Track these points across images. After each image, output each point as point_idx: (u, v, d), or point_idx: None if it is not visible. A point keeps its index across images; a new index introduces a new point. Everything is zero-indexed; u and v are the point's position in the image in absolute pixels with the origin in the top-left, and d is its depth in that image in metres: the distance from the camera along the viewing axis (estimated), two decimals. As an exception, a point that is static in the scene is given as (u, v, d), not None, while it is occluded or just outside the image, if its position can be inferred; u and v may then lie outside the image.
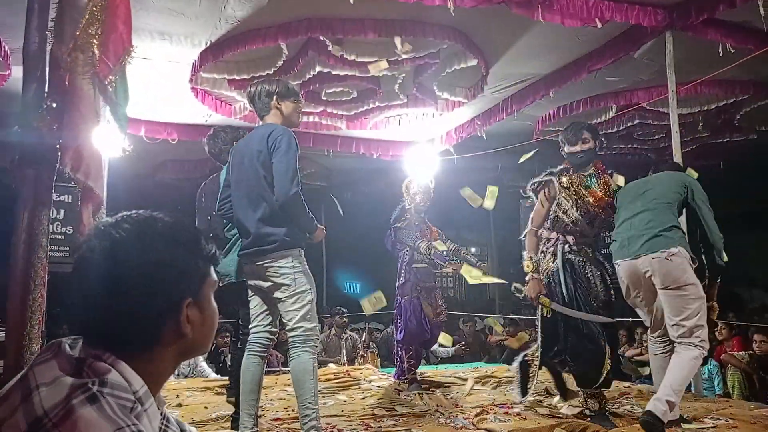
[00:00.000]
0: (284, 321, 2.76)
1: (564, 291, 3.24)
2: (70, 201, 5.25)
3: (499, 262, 12.88)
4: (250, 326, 2.92)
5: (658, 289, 2.93)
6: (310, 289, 2.75)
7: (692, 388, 4.50)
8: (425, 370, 5.55)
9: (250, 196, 2.79)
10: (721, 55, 4.35)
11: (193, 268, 0.94)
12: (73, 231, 5.26)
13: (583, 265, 3.30)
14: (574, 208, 3.30)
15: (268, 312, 2.89)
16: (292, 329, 2.70)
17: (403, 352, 4.66)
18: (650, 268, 2.92)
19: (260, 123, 2.97)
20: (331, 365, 5.84)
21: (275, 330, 2.95)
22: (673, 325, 2.87)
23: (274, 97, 2.88)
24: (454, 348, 7.37)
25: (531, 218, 3.45)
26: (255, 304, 2.91)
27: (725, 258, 2.95)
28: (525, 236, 3.46)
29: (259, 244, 2.74)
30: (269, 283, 2.77)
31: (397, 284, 4.81)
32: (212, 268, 1.00)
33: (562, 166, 3.45)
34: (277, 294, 2.75)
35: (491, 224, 11.49)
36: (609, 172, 3.50)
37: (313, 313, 2.75)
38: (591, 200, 3.30)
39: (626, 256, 3.03)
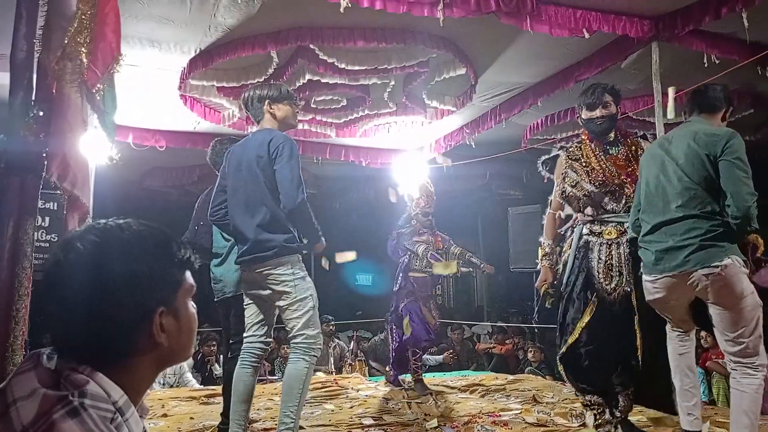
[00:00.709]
0: (287, 328, 2.72)
1: (570, 281, 2.91)
2: (55, 208, 5.18)
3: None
4: (245, 335, 2.88)
5: (710, 303, 2.50)
6: (311, 295, 2.72)
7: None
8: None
9: (248, 202, 2.74)
10: (706, 65, 4.41)
11: (163, 276, 0.93)
12: (57, 239, 5.20)
13: (607, 249, 2.87)
14: (587, 180, 2.90)
15: (263, 322, 2.86)
16: (294, 336, 2.67)
17: (410, 353, 4.70)
18: (701, 283, 2.45)
19: (255, 128, 2.95)
20: (319, 374, 5.81)
21: (269, 340, 2.92)
22: (727, 341, 2.46)
23: (266, 102, 2.86)
24: (442, 356, 7.37)
25: (550, 200, 3.16)
26: (251, 313, 2.86)
27: (755, 225, 2.43)
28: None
29: (258, 251, 2.70)
30: (269, 291, 2.72)
31: (393, 290, 4.83)
32: (188, 273, 0.98)
33: (574, 134, 3.21)
34: (278, 302, 2.72)
35: (479, 231, 11.53)
36: (640, 134, 3.12)
37: (315, 320, 2.72)
38: (613, 169, 2.89)
39: (666, 272, 2.53)
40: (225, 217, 2.90)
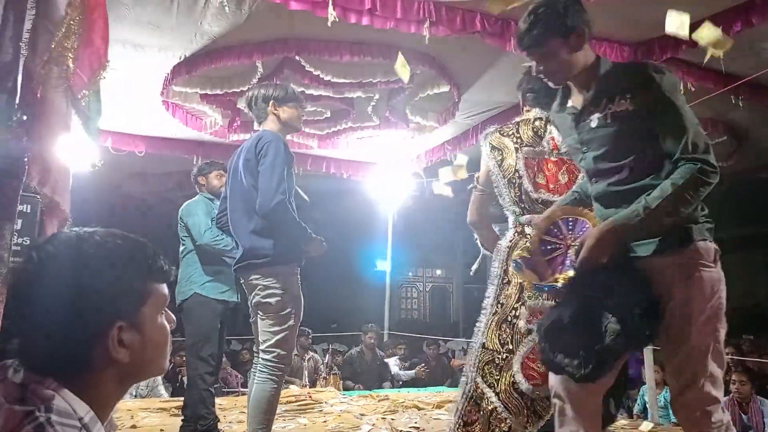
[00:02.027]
0: (260, 340, 2.63)
1: None
2: (28, 211, 5.07)
3: (463, 284, 12.96)
4: (254, 349, 2.74)
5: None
6: (294, 313, 2.60)
7: (648, 416, 4.60)
8: (388, 393, 5.51)
9: (243, 207, 2.67)
10: (682, 92, 4.52)
11: (124, 289, 0.89)
12: (30, 242, 5.09)
13: None
14: None
15: None
16: (265, 351, 2.58)
17: None
18: None
19: (257, 130, 2.87)
20: (293, 387, 5.75)
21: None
22: None
23: (271, 102, 2.75)
24: (414, 371, 7.35)
25: None
26: (256, 327, 2.72)
27: None
28: None
29: (251, 258, 2.61)
30: (256, 300, 2.62)
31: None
32: (159, 286, 0.95)
33: None
34: (259, 311, 2.63)
35: (460, 246, 11.61)
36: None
37: (290, 339, 2.62)
38: None
39: None
40: (228, 224, 2.81)
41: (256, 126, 2.92)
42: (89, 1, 1.64)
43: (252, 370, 2.72)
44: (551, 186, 2.37)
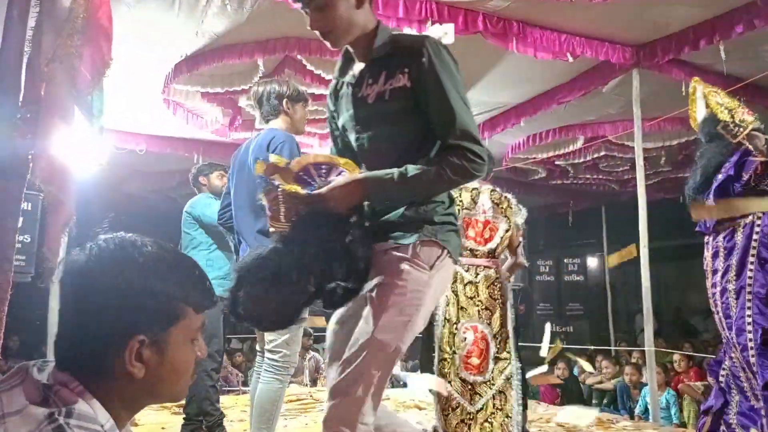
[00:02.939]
0: (266, 340, 2.61)
1: None
2: (29, 209, 5.07)
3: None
4: (260, 348, 2.73)
5: None
6: None
7: (650, 417, 4.60)
8: (389, 393, 5.50)
9: (250, 205, 2.62)
10: (684, 94, 4.53)
11: (156, 305, 0.88)
12: (31, 240, 5.08)
13: None
14: None
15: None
16: (271, 351, 2.56)
17: None
18: None
19: (261, 129, 2.80)
20: (294, 386, 5.75)
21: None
22: None
23: (284, 100, 2.69)
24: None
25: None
26: None
27: None
28: None
29: None
30: None
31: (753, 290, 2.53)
32: (195, 311, 0.92)
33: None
34: None
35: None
36: None
37: (297, 339, 2.61)
38: None
39: None
40: (230, 220, 2.77)
41: (259, 124, 2.89)
42: (93, 0, 1.65)
43: (255, 369, 2.71)
44: (478, 239, 3.14)
